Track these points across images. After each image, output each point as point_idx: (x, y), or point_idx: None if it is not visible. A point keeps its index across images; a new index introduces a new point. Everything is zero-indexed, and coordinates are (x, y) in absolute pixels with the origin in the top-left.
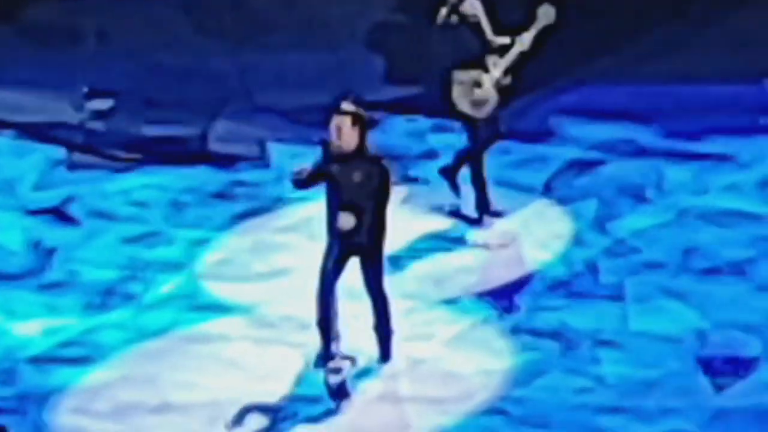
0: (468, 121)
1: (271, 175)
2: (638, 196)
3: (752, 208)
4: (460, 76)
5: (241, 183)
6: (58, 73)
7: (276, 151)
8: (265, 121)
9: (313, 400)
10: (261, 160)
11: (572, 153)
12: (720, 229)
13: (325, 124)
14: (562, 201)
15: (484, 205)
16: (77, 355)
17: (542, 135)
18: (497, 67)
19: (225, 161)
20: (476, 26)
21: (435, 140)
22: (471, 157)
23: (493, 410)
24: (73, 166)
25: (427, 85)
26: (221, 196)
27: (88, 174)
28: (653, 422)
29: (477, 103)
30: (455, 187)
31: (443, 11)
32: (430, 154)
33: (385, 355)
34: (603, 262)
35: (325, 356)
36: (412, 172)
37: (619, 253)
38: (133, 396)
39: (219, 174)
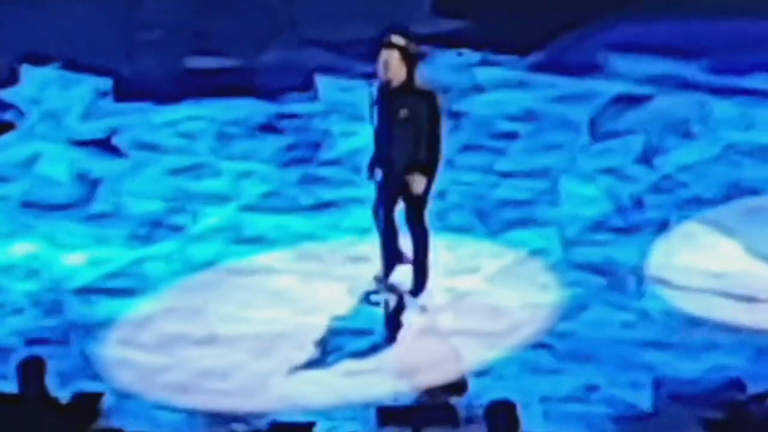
0: None
1: (318, 108)
2: (685, 132)
3: None
4: None
5: (288, 116)
6: (105, 4)
7: (323, 84)
8: (312, 53)
9: (360, 332)
10: (308, 93)
11: (619, 88)
12: (766, 165)
13: (372, 58)
14: (609, 136)
15: None
16: (123, 286)
17: (588, 69)
18: None
19: (272, 94)
20: None
21: (481, 74)
22: None
23: (538, 344)
24: (120, 98)
25: (474, 19)
26: (268, 128)
27: (134, 105)
28: (698, 358)
29: None
30: None
31: None
32: (477, 89)
33: (418, 288)
34: (649, 198)
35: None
36: (457, 107)
37: (665, 188)
38: (179, 328)
39: (266, 106)
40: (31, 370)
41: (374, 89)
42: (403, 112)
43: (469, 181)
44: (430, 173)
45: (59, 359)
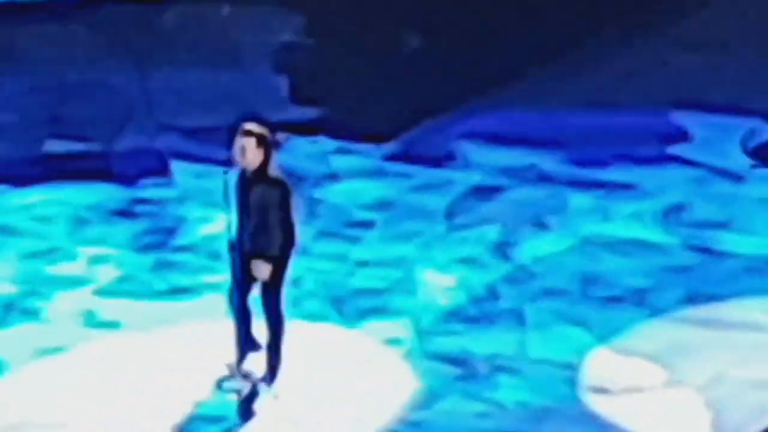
0: None
1: (173, 193)
2: (540, 223)
3: (654, 237)
4: None
5: (143, 201)
6: None
7: (179, 169)
8: (168, 139)
9: (214, 419)
10: (164, 179)
11: (475, 178)
12: (621, 258)
13: (229, 144)
14: (465, 226)
15: None
16: None
17: (445, 159)
18: None
19: (128, 179)
20: None
21: (337, 162)
22: None
23: None
24: None
25: (332, 107)
26: (123, 213)
27: None
28: None
29: None
30: None
31: None
32: (333, 177)
33: (271, 375)
34: (504, 288)
35: (237, 373)
36: (313, 194)
37: (520, 279)
38: (30, 412)
39: (121, 191)
40: None
41: (230, 175)
42: (255, 199)
43: (325, 269)
44: (281, 261)
45: None
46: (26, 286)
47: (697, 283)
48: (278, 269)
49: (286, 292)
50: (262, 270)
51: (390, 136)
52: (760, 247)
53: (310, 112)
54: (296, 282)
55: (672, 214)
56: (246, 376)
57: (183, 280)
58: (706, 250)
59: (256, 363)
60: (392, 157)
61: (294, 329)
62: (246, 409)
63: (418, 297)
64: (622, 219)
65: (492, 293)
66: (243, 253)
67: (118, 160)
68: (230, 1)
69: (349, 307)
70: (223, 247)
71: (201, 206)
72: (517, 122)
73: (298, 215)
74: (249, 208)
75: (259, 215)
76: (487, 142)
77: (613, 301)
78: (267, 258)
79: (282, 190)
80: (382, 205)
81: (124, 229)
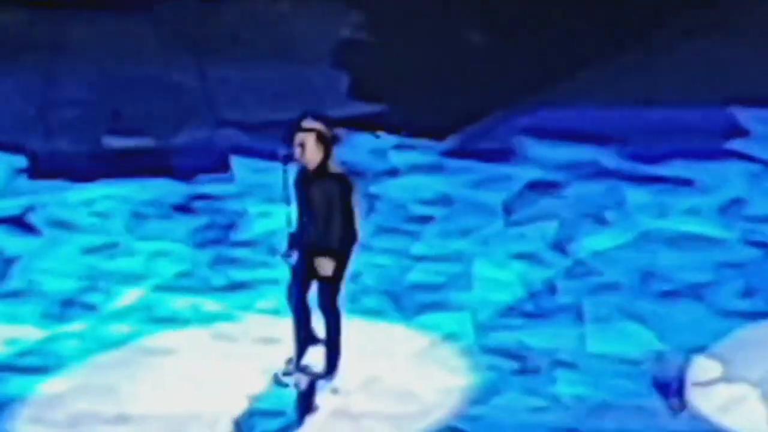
0: None
1: (233, 189)
2: (599, 218)
3: (712, 232)
4: None
5: (202, 196)
6: (22, 83)
7: (239, 165)
8: (228, 135)
9: (272, 414)
10: (223, 174)
11: (533, 173)
12: (679, 253)
13: (288, 140)
14: (523, 222)
15: None
16: (35, 364)
17: (504, 154)
18: None
19: (187, 174)
20: None
21: (397, 158)
22: None
23: (449, 428)
24: (35, 176)
25: (391, 103)
26: (182, 208)
27: (50, 183)
28: None
29: None
30: None
31: None
32: (393, 172)
33: (330, 370)
34: (562, 283)
35: (297, 368)
36: (373, 189)
37: (578, 274)
38: (91, 406)
39: (181, 186)
40: None
41: (288, 171)
42: (317, 195)
43: (383, 264)
44: (342, 257)
45: None
46: (85, 281)
47: (755, 277)
48: (339, 265)
49: (343, 288)
50: (325, 266)
51: (449, 132)
52: None
53: (369, 108)
54: (355, 277)
55: (730, 209)
56: (305, 370)
57: (242, 276)
58: (763, 245)
59: (315, 358)
60: (451, 153)
61: (352, 324)
62: (305, 404)
63: (476, 292)
64: (680, 214)
65: (550, 288)
66: (303, 249)
67: (177, 156)
68: None
69: (407, 301)
70: (282, 243)
71: (260, 202)
72: (575, 118)
73: (358, 211)
74: (309, 205)
75: (320, 211)
76: (545, 138)
77: (671, 295)
78: (330, 254)
79: (343, 185)
80: (441, 201)
81: (183, 224)
